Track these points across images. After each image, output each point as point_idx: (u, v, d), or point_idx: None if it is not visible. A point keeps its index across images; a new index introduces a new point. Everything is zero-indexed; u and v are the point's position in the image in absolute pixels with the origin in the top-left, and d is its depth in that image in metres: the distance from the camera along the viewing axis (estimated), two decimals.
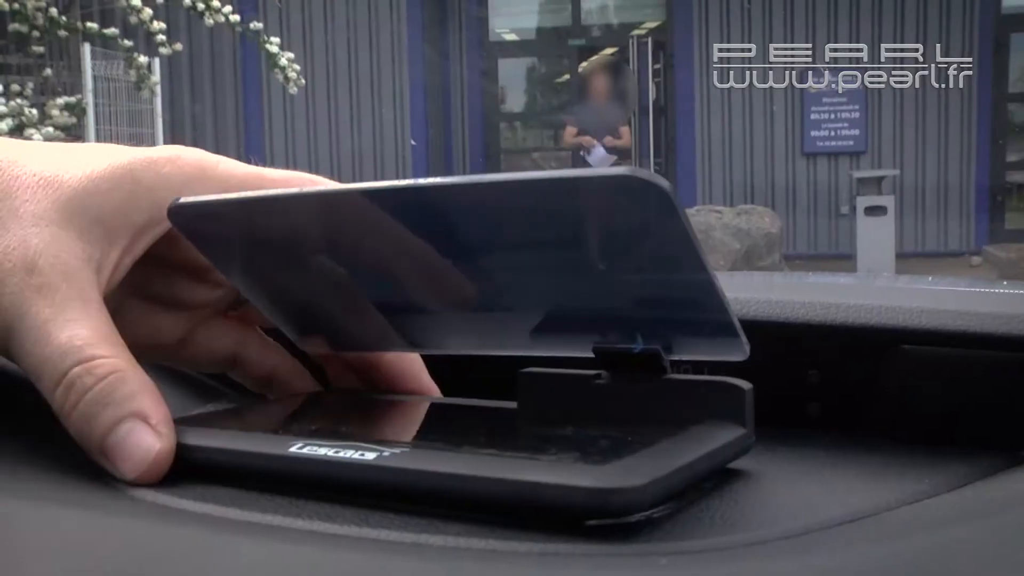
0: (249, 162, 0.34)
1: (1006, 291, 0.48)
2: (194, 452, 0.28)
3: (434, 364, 0.37)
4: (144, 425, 0.27)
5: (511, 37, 7.72)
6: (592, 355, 0.31)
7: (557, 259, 0.29)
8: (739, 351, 0.29)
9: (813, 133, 6.96)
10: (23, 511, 0.24)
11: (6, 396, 0.34)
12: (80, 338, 0.28)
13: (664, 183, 0.25)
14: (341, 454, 0.26)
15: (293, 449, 0.27)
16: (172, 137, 5.98)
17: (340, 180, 0.33)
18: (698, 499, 0.26)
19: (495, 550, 0.22)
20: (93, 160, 0.30)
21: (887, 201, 6.04)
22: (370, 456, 0.26)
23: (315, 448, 0.27)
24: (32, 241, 0.28)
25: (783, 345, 0.35)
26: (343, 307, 0.34)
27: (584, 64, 7.21)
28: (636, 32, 7.35)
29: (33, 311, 0.28)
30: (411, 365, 0.36)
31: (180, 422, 0.31)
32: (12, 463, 0.29)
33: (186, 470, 0.28)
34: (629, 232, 0.27)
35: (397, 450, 0.26)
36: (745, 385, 0.29)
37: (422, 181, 0.28)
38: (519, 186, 0.27)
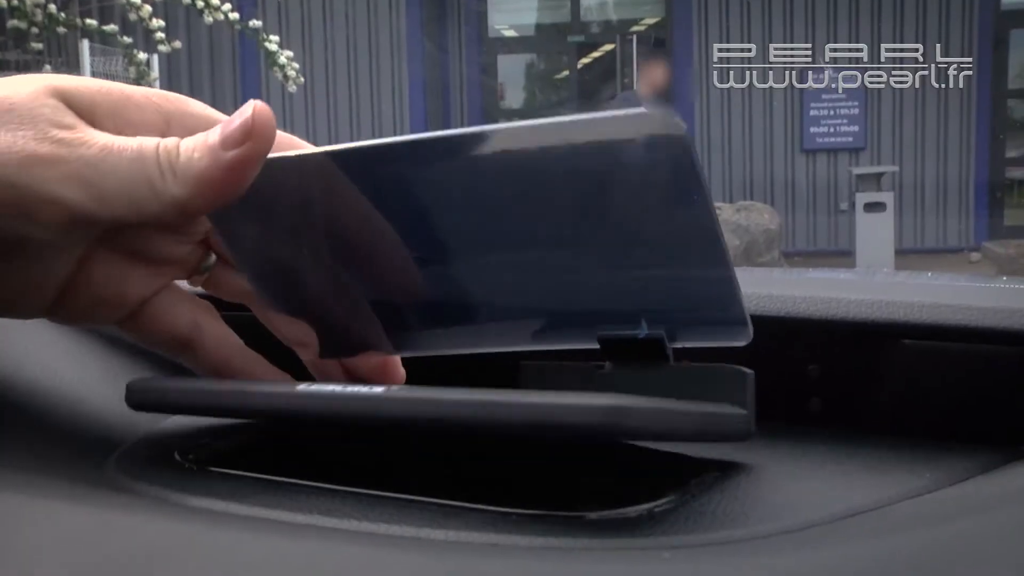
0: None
1: (1006, 286, 0.48)
2: (204, 397, 0.29)
3: (431, 359, 0.36)
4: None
5: (510, 33, 7.71)
6: (596, 347, 0.31)
7: (569, 222, 0.28)
8: (743, 335, 0.29)
9: (812, 130, 6.95)
10: (25, 507, 0.24)
11: (8, 394, 0.34)
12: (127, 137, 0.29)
13: (681, 124, 0.24)
14: (350, 389, 0.26)
15: (301, 387, 0.27)
16: None
17: None
18: (699, 493, 0.26)
19: (496, 544, 0.22)
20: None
21: (886, 197, 6.03)
22: (379, 389, 0.26)
23: (323, 386, 0.27)
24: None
25: (784, 339, 0.35)
26: (342, 309, 0.34)
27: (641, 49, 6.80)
28: (635, 29, 7.35)
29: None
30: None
31: (186, 374, 0.31)
32: (14, 460, 0.29)
33: (190, 460, 0.28)
34: (642, 178, 0.26)
35: (406, 387, 0.26)
36: (747, 371, 0.29)
37: (410, 137, 0.27)
38: (530, 133, 0.26)
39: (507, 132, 0.27)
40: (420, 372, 0.36)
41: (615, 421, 0.23)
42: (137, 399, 0.30)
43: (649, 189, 0.26)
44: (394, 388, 0.26)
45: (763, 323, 0.34)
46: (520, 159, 0.27)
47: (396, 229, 0.30)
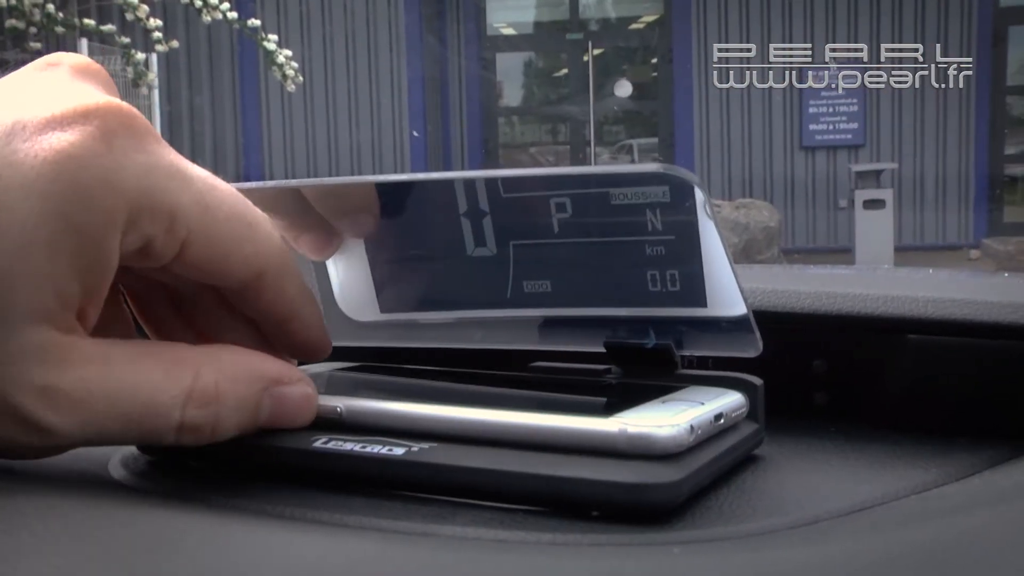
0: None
1: (1009, 281, 0.48)
2: (214, 448, 0.28)
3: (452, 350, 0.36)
4: (283, 387, 0.27)
5: (509, 31, 7.71)
6: (602, 350, 0.31)
7: (583, 251, 0.30)
8: (752, 347, 0.29)
9: (811, 127, 6.95)
10: (30, 504, 0.24)
11: None
12: (148, 392, 0.24)
13: (693, 178, 0.26)
14: (368, 449, 0.26)
15: (317, 444, 0.26)
16: (171, 132, 5.97)
17: (338, 174, 0.34)
18: (707, 489, 0.26)
19: (505, 540, 0.22)
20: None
21: (885, 194, 6.03)
22: (398, 451, 0.26)
23: (340, 443, 0.26)
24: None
25: (789, 335, 0.35)
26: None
27: None
28: (634, 27, 7.35)
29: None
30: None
31: None
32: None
33: (203, 462, 0.28)
34: (657, 225, 0.28)
35: (426, 444, 0.26)
36: (756, 381, 0.29)
37: (451, 174, 0.29)
38: (557, 180, 0.28)
39: (552, 173, 0.29)
40: (443, 361, 0.36)
41: (639, 499, 0.23)
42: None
43: (663, 229, 0.28)
44: (414, 449, 0.25)
45: (768, 318, 0.34)
46: (558, 189, 0.29)
47: (432, 232, 0.32)
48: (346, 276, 0.34)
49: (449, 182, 0.30)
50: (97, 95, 0.25)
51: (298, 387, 0.27)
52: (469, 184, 0.29)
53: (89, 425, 0.24)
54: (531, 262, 0.31)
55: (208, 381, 0.25)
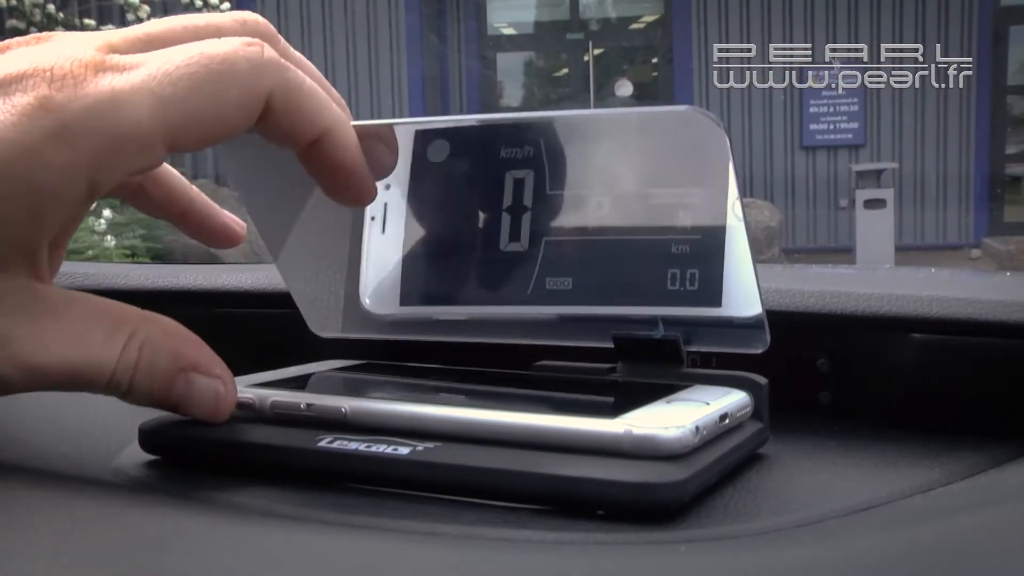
0: None
1: (1012, 279, 0.48)
2: (218, 449, 0.28)
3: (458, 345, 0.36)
4: (197, 375, 0.27)
5: (509, 31, 7.71)
6: (609, 345, 0.31)
7: (610, 248, 0.30)
8: (760, 342, 0.29)
9: (812, 126, 6.95)
10: (39, 502, 0.24)
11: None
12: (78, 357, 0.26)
13: (720, 123, 0.26)
14: (373, 449, 0.26)
15: (322, 444, 0.26)
16: None
17: None
18: (713, 488, 0.26)
19: (509, 539, 0.22)
20: None
21: (886, 194, 6.03)
22: (403, 451, 0.26)
23: (344, 443, 0.26)
24: None
25: (793, 334, 0.35)
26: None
27: None
28: (634, 27, 7.35)
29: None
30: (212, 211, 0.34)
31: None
32: (28, 456, 0.28)
33: (207, 462, 0.28)
34: (686, 223, 0.28)
35: (431, 444, 0.26)
36: (761, 380, 0.29)
37: (466, 118, 0.30)
38: (588, 120, 0.29)
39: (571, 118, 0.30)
40: (447, 355, 0.36)
41: (643, 498, 0.23)
42: (152, 443, 0.29)
43: (695, 221, 0.29)
44: (418, 449, 0.25)
45: (772, 317, 0.34)
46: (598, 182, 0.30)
47: (434, 210, 0.32)
48: (375, 264, 0.34)
49: (500, 180, 0.30)
50: None
51: (210, 380, 0.28)
52: (519, 180, 0.30)
53: (37, 374, 0.25)
54: (558, 259, 0.31)
55: (132, 349, 0.26)
